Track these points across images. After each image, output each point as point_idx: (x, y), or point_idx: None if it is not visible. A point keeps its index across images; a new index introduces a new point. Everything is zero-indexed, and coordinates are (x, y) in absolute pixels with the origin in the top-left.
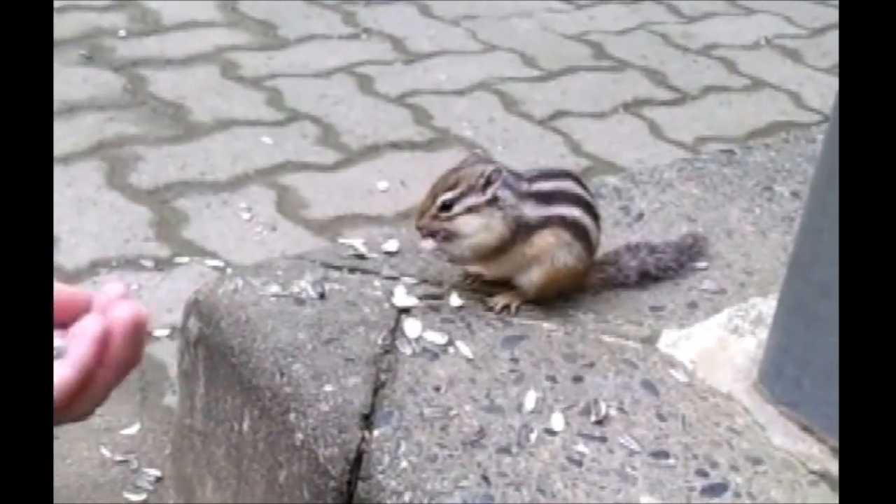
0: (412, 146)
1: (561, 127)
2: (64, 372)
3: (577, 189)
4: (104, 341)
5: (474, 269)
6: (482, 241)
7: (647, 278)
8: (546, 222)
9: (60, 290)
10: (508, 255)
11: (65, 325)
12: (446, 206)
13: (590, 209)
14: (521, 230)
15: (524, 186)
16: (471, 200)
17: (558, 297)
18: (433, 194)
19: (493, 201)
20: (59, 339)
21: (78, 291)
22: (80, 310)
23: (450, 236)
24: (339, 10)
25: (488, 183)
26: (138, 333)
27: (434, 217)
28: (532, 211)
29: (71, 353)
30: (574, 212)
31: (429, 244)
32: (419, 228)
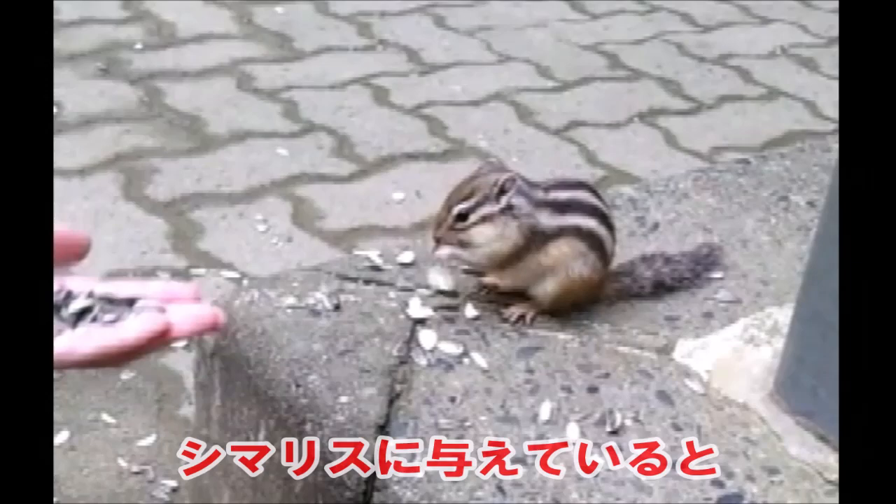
0: (427, 157)
1: (576, 137)
2: (109, 340)
3: (593, 199)
4: (159, 337)
5: (489, 280)
6: (497, 250)
7: (662, 288)
8: (561, 232)
9: (58, 229)
10: (524, 264)
11: (65, 262)
12: (462, 217)
13: (605, 220)
14: (537, 238)
15: (539, 195)
16: (486, 209)
17: (573, 307)
18: (448, 205)
19: (508, 209)
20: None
21: (74, 231)
22: (79, 249)
23: (466, 245)
24: (355, 21)
25: (502, 191)
26: (207, 331)
27: (451, 228)
28: (547, 220)
29: (126, 329)
30: (589, 222)
31: (444, 252)
32: (436, 240)
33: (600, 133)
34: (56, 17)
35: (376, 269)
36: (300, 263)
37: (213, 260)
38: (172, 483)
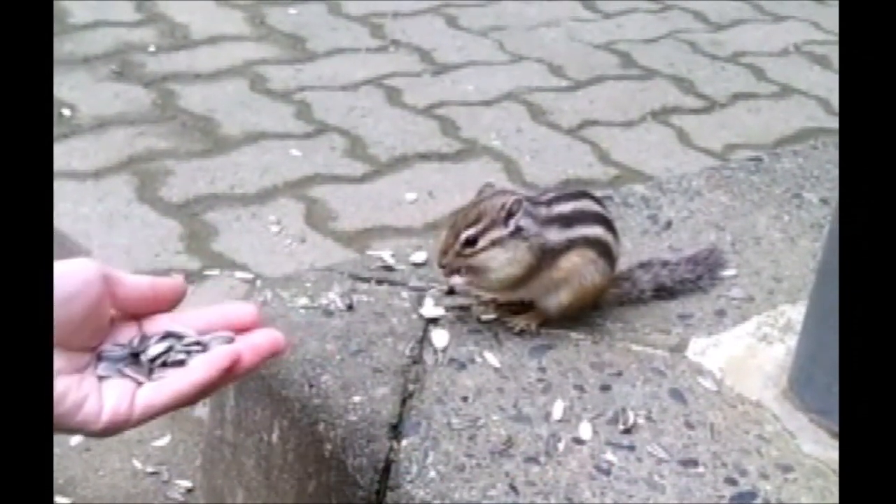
0: (440, 157)
1: (589, 136)
2: (181, 387)
3: (596, 207)
4: (229, 371)
5: (488, 296)
6: (510, 273)
7: (664, 291)
8: (570, 244)
9: (150, 281)
10: (535, 282)
11: (159, 312)
12: (470, 242)
13: (609, 226)
14: (547, 256)
15: (544, 212)
16: (494, 234)
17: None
18: (455, 231)
19: (517, 232)
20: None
21: (166, 281)
22: (172, 298)
23: (476, 271)
24: (367, 22)
25: (510, 214)
26: (271, 358)
27: (458, 254)
28: (555, 235)
29: (195, 371)
30: (596, 230)
31: (457, 280)
32: (443, 266)
33: (613, 132)
34: (69, 20)
35: (389, 269)
36: (313, 264)
37: (227, 261)
38: (187, 483)
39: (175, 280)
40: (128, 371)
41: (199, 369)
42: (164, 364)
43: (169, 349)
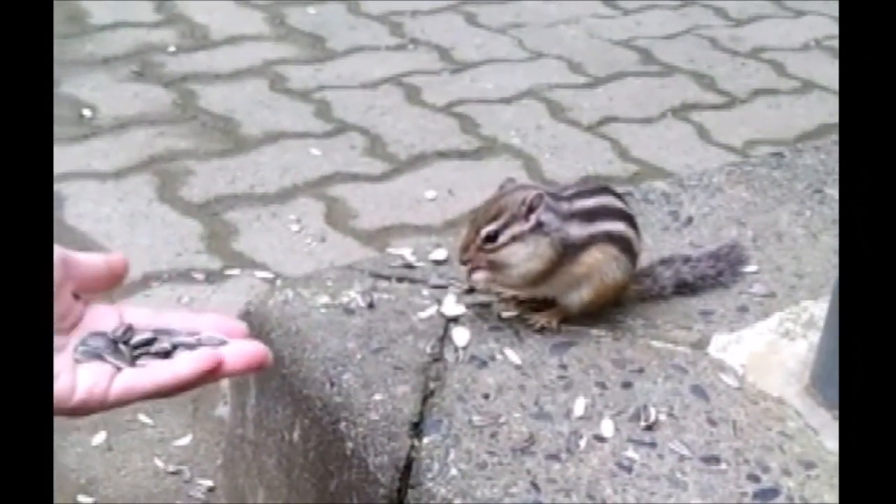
0: (460, 155)
1: (609, 133)
2: (164, 377)
3: (618, 203)
4: (212, 372)
5: (509, 293)
6: (531, 269)
7: (685, 288)
8: (592, 240)
9: (104, 258)
10: (556, 277)
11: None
12: (491, 238)
13: (631, 221)
14: (568, 251)
15: (565, 207)
16: (515, 229)
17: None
18: (476, 227)
19: (538, 227)
20: (184, 338)
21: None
22: (121, 273)
23: (497, 267)
24: (386, 21)
25: (531, 209)
26: (256, 370)
27: (479, 249)
28: (577, 231)
29: (180, 365)
30: (618, 226)
31: (479, 276)
32: (465, 262)
33: (633, 128)
34: (89, 21)
35: (409, 266)
36: (333, 262)
37: (247, 260)
38: (209, 483)
39: (117, 255)
40: (108, 356)
41: (184, 364)
42: (148, 354)
43: (153, 340)
